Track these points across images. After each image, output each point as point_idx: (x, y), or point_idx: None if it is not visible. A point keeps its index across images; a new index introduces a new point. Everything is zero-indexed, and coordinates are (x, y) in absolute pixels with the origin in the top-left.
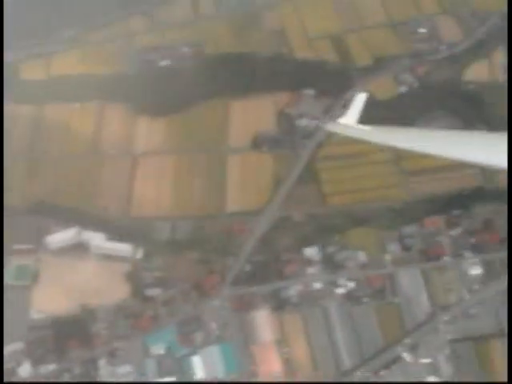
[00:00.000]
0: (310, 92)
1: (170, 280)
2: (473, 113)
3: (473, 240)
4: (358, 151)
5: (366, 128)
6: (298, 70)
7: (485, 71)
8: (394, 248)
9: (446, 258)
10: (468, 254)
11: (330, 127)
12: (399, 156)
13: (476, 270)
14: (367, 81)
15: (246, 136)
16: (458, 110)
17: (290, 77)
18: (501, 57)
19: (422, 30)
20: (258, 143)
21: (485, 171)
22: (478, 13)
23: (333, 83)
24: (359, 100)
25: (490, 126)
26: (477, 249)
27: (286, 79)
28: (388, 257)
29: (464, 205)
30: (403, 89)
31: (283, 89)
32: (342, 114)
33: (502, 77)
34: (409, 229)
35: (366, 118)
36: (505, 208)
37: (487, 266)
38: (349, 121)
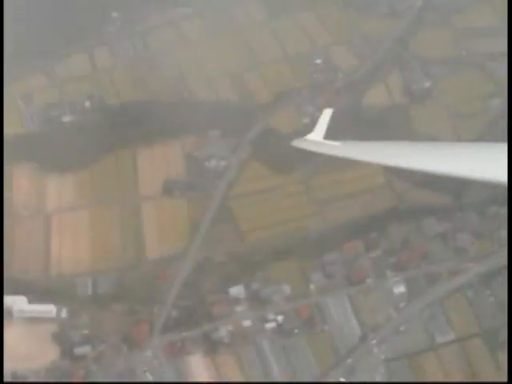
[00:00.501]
0: (215, 133)
1: (99, 336)
2: (377, 136)
3: (393, 259)
4: (270, 186)
5: (336, 143)
6: (201, 112)
7: (383, 95)
8: (317, 277)
9: (370, 280)
10: (390, 273)
11: (297, 144)
12: (309, 186)
13: (400, 288)
14: (270, 116)
15: (157, 183)
16: (362, 136)
17: (194, 120)
18: (397, 79)
19: (318, 61)
20: (169, 189)
21: (396, 191)
22: (370, 39)
23: (236, 122)
24: (326, 116)
25: None
26: (398, 267)
27: (190, 123)
28: (312, 286)
29: (380, 226)
30: (306, 120)
31: (189, 132)
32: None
33: (400, 99)
34: (329, 256)
35: (273, 152)
36: (420, 225)
37: (410, 283)
38: (316, 137)
